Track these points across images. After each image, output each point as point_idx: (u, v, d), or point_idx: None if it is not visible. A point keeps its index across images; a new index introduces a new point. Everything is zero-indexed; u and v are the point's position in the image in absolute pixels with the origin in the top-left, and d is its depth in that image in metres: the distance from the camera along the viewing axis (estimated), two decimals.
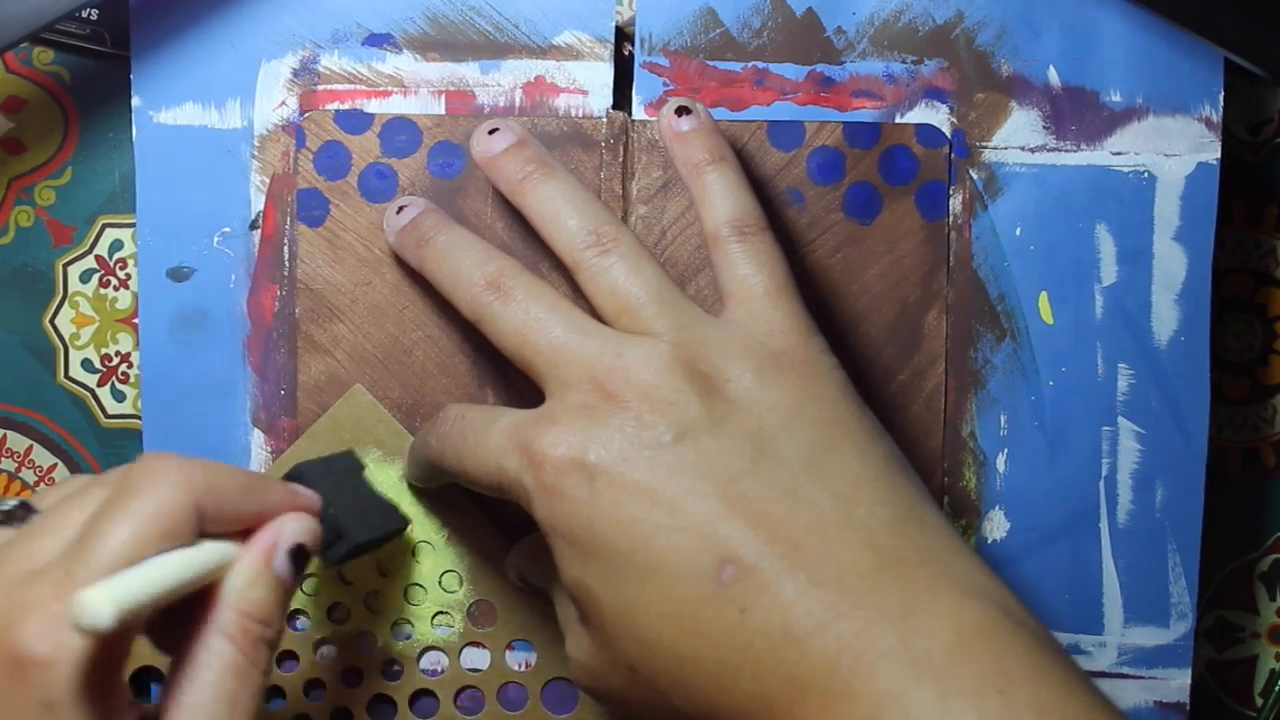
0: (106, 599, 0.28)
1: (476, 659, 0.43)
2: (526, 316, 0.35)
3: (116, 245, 0.46)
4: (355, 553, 0.38)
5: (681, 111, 0.38)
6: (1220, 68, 0.42)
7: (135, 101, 0.43)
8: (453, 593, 0.42)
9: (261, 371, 0.44)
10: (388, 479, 0.42)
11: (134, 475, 0.31)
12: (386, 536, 0.40)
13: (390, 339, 0.43)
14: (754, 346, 0.34)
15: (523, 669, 0.43)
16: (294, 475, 0.38)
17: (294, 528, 0.33)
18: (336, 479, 0.39)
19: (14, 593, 0.29)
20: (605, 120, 0.43)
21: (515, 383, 0.43)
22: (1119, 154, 0.43)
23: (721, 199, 0.36)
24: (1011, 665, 0.29)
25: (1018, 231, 0.43)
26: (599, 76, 0.43)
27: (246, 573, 0.32)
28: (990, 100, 0.43)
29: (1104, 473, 0.44)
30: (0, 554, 0.30)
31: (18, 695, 0.28)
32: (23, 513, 0.33)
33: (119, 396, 0.47)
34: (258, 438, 0.44)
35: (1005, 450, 0.44)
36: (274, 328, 0.43)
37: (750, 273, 0.35)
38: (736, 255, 0.35)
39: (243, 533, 0.33)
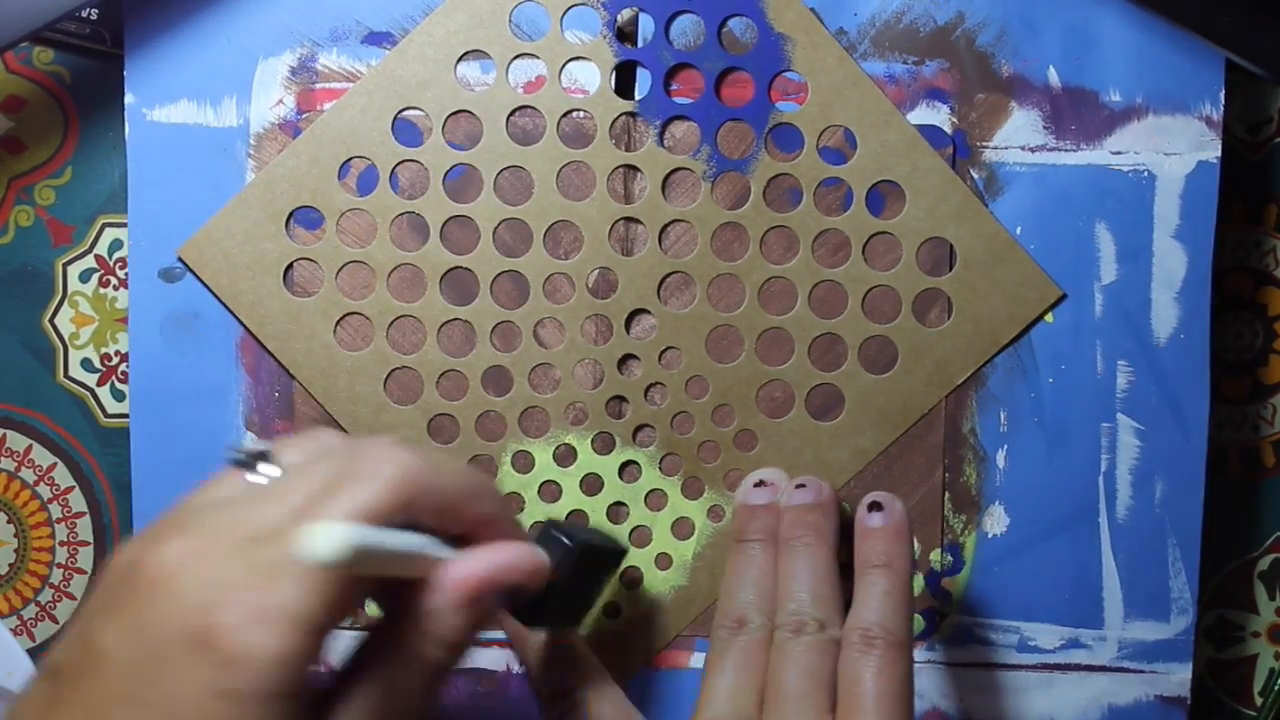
0: (342, 534, 0.27)
1: None
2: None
3: (116, 245, 0.46)
4: (553, 627, 0.39)
5: (874, 507, 0.40)
6: (1220, 67, 0.43)
7: (128, 98, 0.43)
8: None
9: (254, 373, 0.44)
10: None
11: (361, 460, 0.30)
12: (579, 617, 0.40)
13: (389, 341, 0.43)
14: None
15: None
16: (548, 525, 0.37)
17: (509, 567, 0.32)
18: (584, 561, 0.37)
19: (223, 565, 0.28)
20: (606, 120, 0.43)
21: (513, 382, 0.43)
22: (1119, 153, 0.43)
23: (868, 604, 0.38)
24: None
25: (1018, 230, 0.43)
26: (599, 76, 0.42)
27: (451, 596, 0.31)
28: (991, 100, 0.43)
29: (1103, 469, 0.44)
30: (233, 512, 0.29)
31: (195, 673, 0.27)
32: (261, 463, 0.31)
33: (118, 396, 0.47)
34: (250, 441, 0.44)
35: (1005, 446, 0.44)
36: None
37: (863, 682, 0.36)
38: (857, 662, 0.36)
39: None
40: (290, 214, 0.43)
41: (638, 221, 0.43)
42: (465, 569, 0.31)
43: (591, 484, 0.44)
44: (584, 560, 0.37)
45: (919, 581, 0.44)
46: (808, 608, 0.38)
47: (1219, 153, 0.43)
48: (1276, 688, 0.48)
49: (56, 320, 0.46)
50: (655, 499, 0.44)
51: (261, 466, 0.31)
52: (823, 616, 0.38)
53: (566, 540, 0.36)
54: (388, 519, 0.29)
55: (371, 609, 0.38)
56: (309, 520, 0.28)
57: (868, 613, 0.37)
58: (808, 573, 0.39)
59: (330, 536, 0.27)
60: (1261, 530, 0.48)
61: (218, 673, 0.27)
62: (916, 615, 0.45)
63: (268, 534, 0.28)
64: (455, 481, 0.32)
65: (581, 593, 0.39)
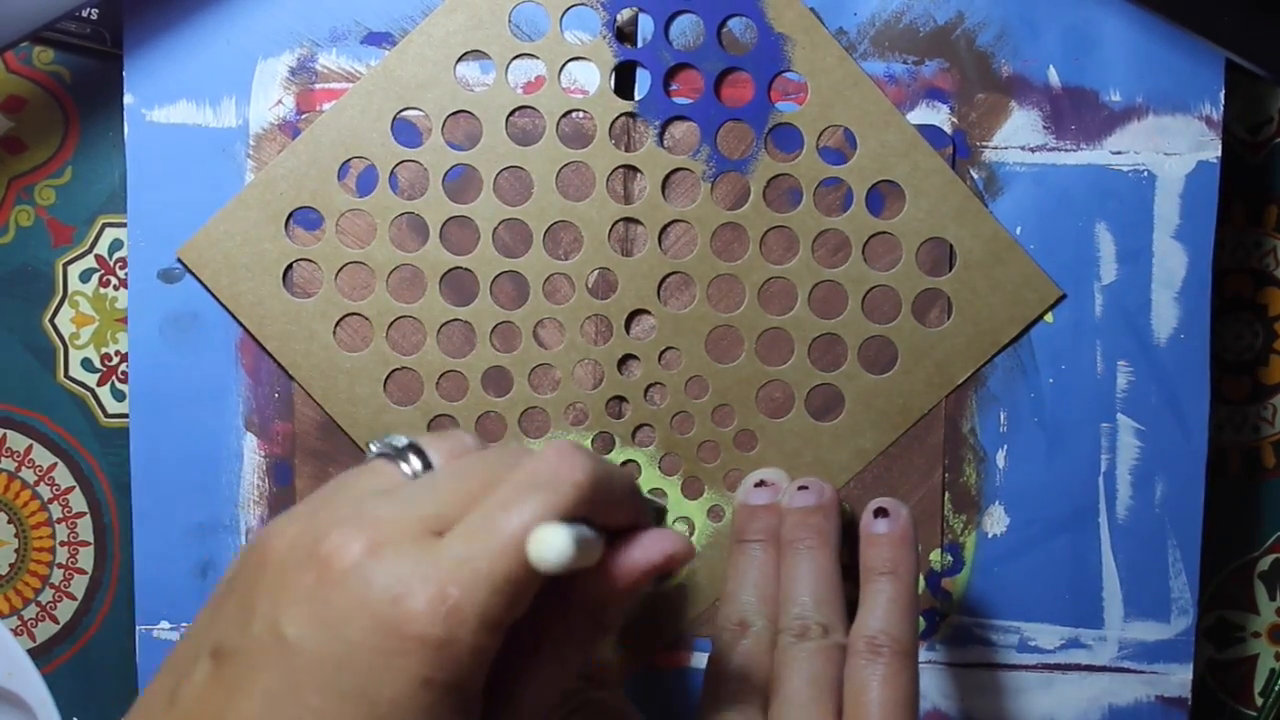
0: (568, 535, 0.28)
1: None
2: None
3: (116, 245, 0.46)
4: None
5: (879, 513, 0.40)
6: (1220, 67, 0.43)
7: (128, 99, 0.43)
8: None
9: (254, 374, 0.44)
10: None
11: (543, 466, 0.30)
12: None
13: (389, 341, 0.43)
14: None
15: None
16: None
17: (671, 554, 0.33)
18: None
19: (410, 556, 0.28)
20: (606, 120, 0.43)
21: (513, 383, 0.43)
22: (1119, 153, 0.43)
23: (874, 611, 0.38)
24: None
25: (1018, 230, 0.43)
26: (599, 76, 0.42)
27: (624, 583, 0.32)
28: (991, 100, 0.43)
29: (1103, 469, 0.44)
30: (403, 501, 0.30)
31: (395, 667, 0.27)
32: (413, 456, 0.32)
33: (119, 396, 0.47)
34: (250, 442, 0.44)
35: (1005, 446, 0.44)
36: None
37: (870, 690, 0.36)
38: (864, 670, 0.37)
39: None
40: (290, 215, 0.43)
41: (637, 222, 0.43)
42: (635, 558, 0.32)
43: None
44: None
45: (919, 582, 0.44)
46: (811, 612, 0.38)
47: (1219, 153, 0.43)
48: (1277, 688, 0.48)
49: (57, 320, 0.46)
50: (655, 499, 0.44)
51: (412, 458, 0.32)
52: (826, 621, 0.38)
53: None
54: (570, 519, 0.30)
55: None
56: (494, 521, 0.29)
57: (874, 620, 0.37)
58: (811, 576, 0.39)
59: (555, 542, 0.28)
60: (1261, 530, 0.48)
61: (416, 663, 0.27)
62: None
63: (444, 528, 0.29)
64: (624, 484, 0.32)
65: None
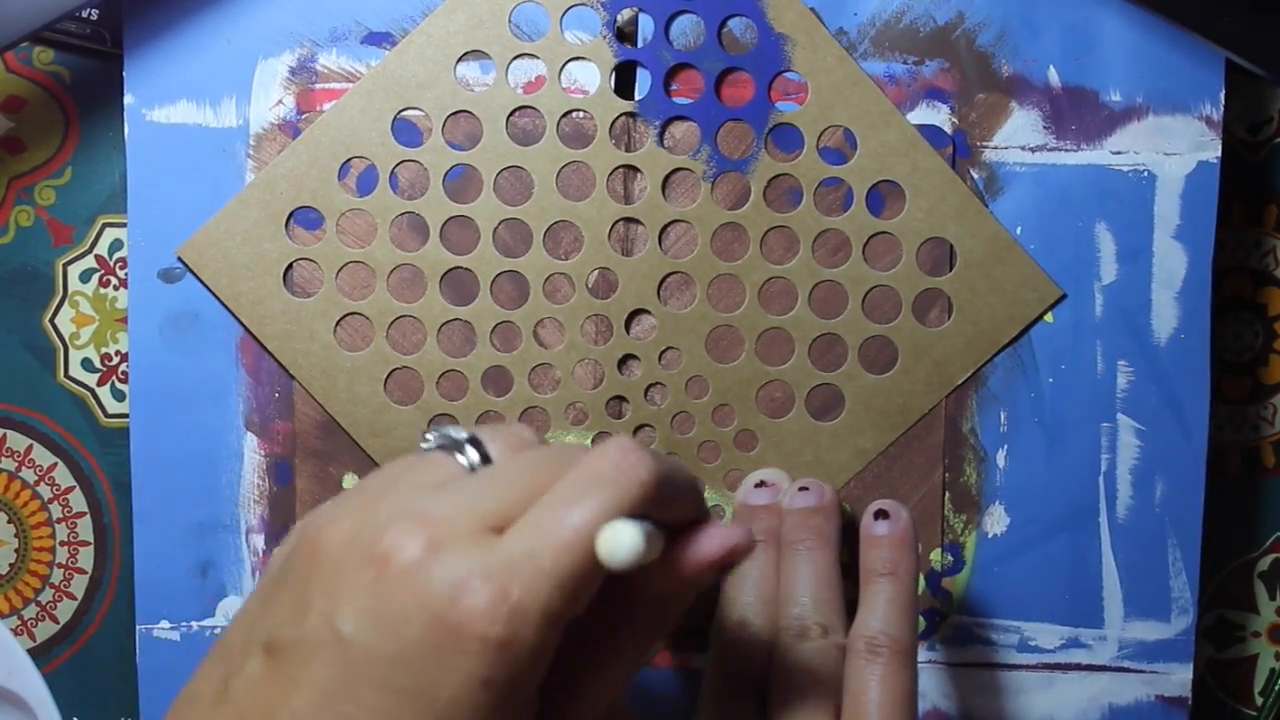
0: (637, 533, 0.28)
1: None
2: None
3: (116, 245, 0.46)
4: None
5: (880, 515, 0.40)
6: (1220, 67, 0.43)
7: (128, 99, 0.43)
8: None
9: (255, 374, 0.44)
10: None
11: (605, 462, 0.30)
12: None
13: (389, 341, 0.43)
14: None
15: None
16: None
17: (733, 548, 0.32)
18: None
19: (470, 554, 0.28)
20: (606, 120, 0.43)
21: (513, 382, 0.43)
22: (1119, 153, 0.43)
23: (874, 612, 0.38)
24: None
25: (1018, 230, 0.43)
26: (599, 76, 0.42)
27: (688, 579, 0.32)
28: (991, 100, 0.43)
29: (1103, 469, 0.44)
30: (460, 496, 0.29)
31: (454, 661, 0.27)
32: (470, 449, 0.31)
33: (119, 396, 0.47)
34: (251, 441, 0.44)
35: (1005, 446, 0.44)
36: None
37: (868, 690, 0.36)
38: (862, 671, 0.37)
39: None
40: (290, 214, 0.43)
41: (637, 222, 0.43)
42: (699, 552, 0.31)
43: None
44: None
45: (919, 582, 0.44)
46: (810, 612, 0.38)
47: (1219, 153, 0.43)
48: (1277, 688, 0.48)
49: (57, 320, 0.46)
50: None
51: (470, 451, 0.31)
52: (825, 621, 0.38)
53: None
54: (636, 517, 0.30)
55: None
56: (556, 519, 0.28)
57: (873, 621, 0.37)
58: (811, 577, 0.39)
59: (625, 539, 0.28)
60: (1261, 530, 0.48)
61: (476, 662, 0.27)
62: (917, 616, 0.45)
63: (504, 524, 0.29)
64: (684, 480, 0.32)
65: None
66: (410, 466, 0.31)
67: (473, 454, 0.31)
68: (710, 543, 0.32)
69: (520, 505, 0.29)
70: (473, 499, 0.29)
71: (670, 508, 0.31)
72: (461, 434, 0.32)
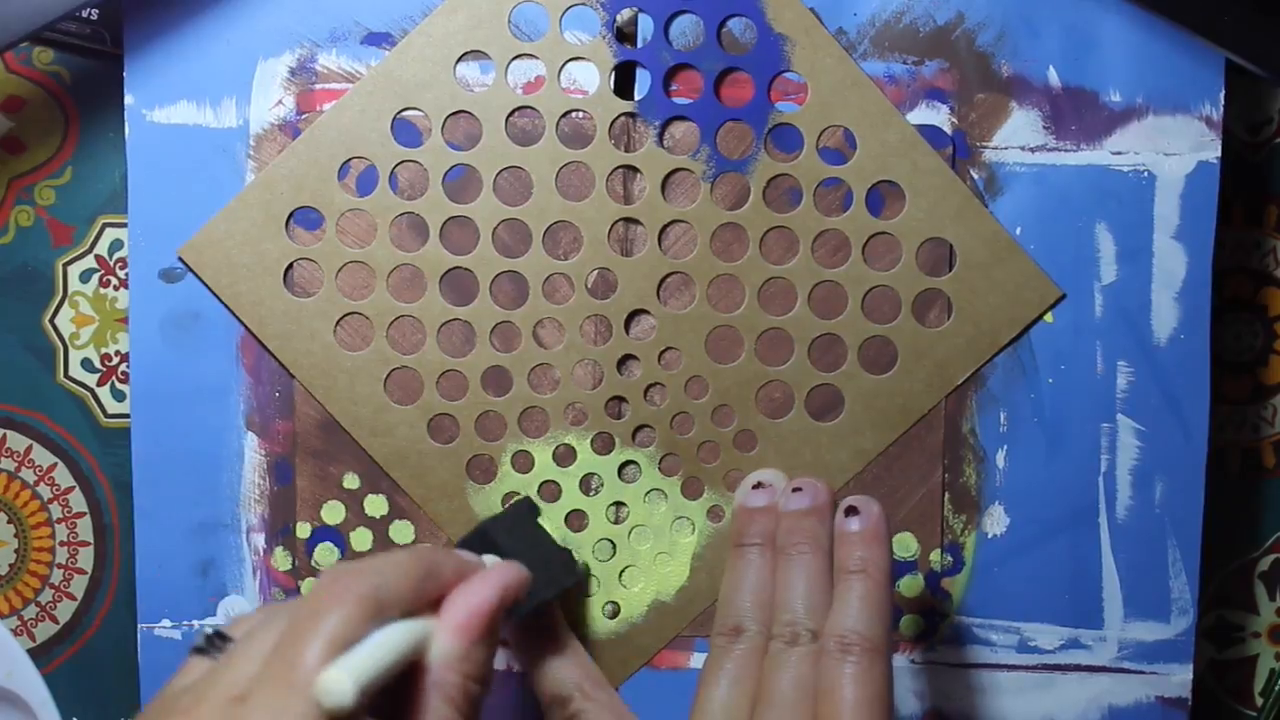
0: (346, 676, 0.29)
1: None
2: None
3: (116, 245, 0.46)
4: (540, 607, 0.40)
5: (850, 511, 0.40)
6: (1220, 67, 0.43)
7: (128, 99, 0.43)
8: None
9: (255, 373, 0.44)
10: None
11: (315, 598, 0.31)
12: (565, 590, 0.42)
13: (389, 341, 0.43)
14: None
15: None
16: (480, 532, 0.40)
17: (484, 598, 0.34)
18: (518, 531, 0.41)
19: (226, 716, 0.29)
20: (605, 120, 0.43)
21: (513, 382, 0.43)
22: (1119, 153, 0.43)
23: (845, 610, 0.38)
24: None
25: (1018, 230, 0.43)
26: (599, 76, 0.42)
27: (453, 647, 0.33)
28: (991, 100, 0.43)
29: (1103, 469, 0.44)
30: (205, 683, 0.31)
31: None
32: (220, 642, 0.34)
33: (119, 396, 0.47)
34: (251, 441, 0.44)
35: (1005, 446, 0.44)
36: None
37: (840, 689, 0.36)
38: (833, 669, 0.37)
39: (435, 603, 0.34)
40: (290, 214, 0.43)
41: (637, 222, 0.43)
42: (459, 617, 0.33)
43: (591, 484, 0.44)
44: (512, 524, 0.41)
45: (919, 582, 0.44)
46: (802, 618, 0.38)
47: (1219, 153, 0.43)
48: (1277, 688, 0.48)
49: (57, 320, 0.46)
50: (655, 499, 0.44)
51: (221, 644, 0.33)
52: (816, 627, 0.38)
53: (485, 529, 0.40)
54: (363, 635, 0.31)
55: None
56: (289, 663, 0.30)
57: (845, 619, 0.38)
58: (803, 583, 0.39)
59: (336, 686, 0.28)
60: (1261, 530, 0.48)
61: None
62: (916, 616, 0.45)
63: (245, 692, 0.30)
64: (408, 577, 0.33)
65: (545, 548, 0.42)
66: (172, 680, 0.33)
67: (218, 643, 0.33)
68: (469, 599, 0.34)
69: (256, 667, 0.30)
70: (212, 683, 0.31)
71: (422, 590, 0.33)
72: (209, 630, 0.34)
